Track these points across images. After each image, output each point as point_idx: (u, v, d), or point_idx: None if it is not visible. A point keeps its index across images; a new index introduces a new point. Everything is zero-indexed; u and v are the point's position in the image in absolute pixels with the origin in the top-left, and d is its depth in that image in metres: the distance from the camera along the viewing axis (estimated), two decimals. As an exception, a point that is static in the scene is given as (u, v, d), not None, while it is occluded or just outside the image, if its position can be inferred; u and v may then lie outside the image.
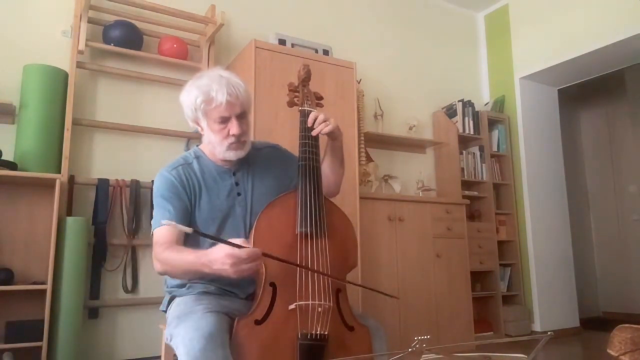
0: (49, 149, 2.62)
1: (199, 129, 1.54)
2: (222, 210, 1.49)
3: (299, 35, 3.40)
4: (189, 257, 1.29)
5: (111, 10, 2.98)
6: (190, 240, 1.47)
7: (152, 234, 1.44)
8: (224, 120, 1.46)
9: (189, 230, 1.16)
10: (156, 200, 1.48)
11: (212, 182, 1.52)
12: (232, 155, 1.50)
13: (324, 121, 1.53)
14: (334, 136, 1.59)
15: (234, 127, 1.46)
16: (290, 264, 1.32)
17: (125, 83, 3.05)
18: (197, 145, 1.64)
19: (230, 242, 1.19)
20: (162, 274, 1.43)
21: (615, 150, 5.56)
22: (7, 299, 2.45)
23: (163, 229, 1.41)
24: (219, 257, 1.19)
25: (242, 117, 1.49)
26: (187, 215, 1.46)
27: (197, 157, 1.56)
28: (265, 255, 1.23)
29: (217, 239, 1.22)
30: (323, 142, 1.61)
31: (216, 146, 1.50)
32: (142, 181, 2.86)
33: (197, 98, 1.44)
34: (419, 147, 4.25)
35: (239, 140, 1.49)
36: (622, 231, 5.40)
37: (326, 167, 1.65)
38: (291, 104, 1.67)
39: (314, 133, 1.54)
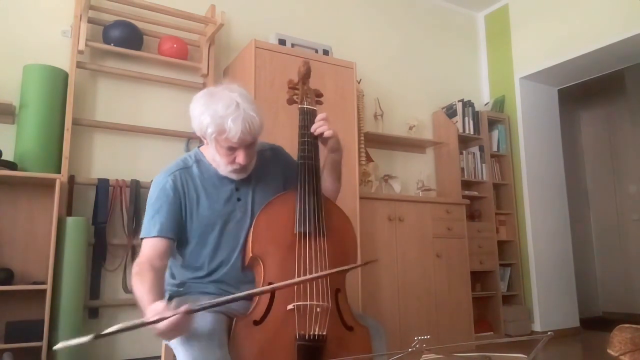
0: (49, 149, 2.62)
1: (205, 141, 1.48)
2: (221, 216, 1.47)
3: (299, 35, 3.40)
4: (142, 294, 1.27)
5: (111, 10, 2.98)
6: (205, 239, 1.45)
7: (141, 242, 1.43)
8: (232, 149, 1.41)
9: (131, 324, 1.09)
10: (147, 208, 1.46)
11: (212, 188, 1.49)
12: (235, 177, 1.48)
13: (328, 128, 1.51)
14: (334, 148, 1.56)
15: (240, 157, 1.42)
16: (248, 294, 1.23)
17: (125, 83, 3.05)
18: (199, 147, 1.60)
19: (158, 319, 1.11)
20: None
21: (615, 150, 5.55)
22: (7, 299, 2.45)
23: (149, 241, 1.40)
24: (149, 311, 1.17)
25: (250, 146, 1.44)
26: (176, 225, 1.43)
27: (198, 161, 1.52)
28: (194, 311, 1.16)
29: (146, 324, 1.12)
30: (322, 154, 1.59)
31: (220, 165, 1.46)
32: (142, 181, 2.86)
33: (208, 127, 1.37)
34: (419, 147, 4.25)
35: (244, 168, 1.46)
36: (622, 231, 5.39)
37: (325, 180, 1.60)
38: (290, 101, 1.66)
39: (312, 129, 1.53)
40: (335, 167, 1.61)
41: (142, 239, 1.43)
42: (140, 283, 1.29)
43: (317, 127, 1.52)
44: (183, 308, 1.12)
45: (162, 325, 1.10)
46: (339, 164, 1.62)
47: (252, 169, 1.50)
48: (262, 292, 1.30)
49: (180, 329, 1.14)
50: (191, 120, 1.45)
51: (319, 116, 1.54)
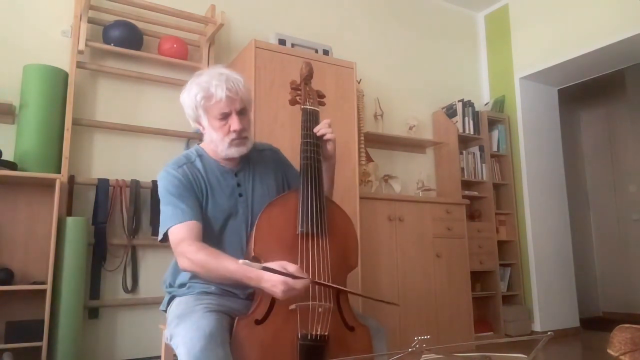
0: (49, 149, 2.62)
1: (200, 128, 1.53)
2: (224, 211, 1.49)
3: (299, 35, 3.40)
4: (231, 266, 1.28)
5: (111, 10, 2.98)
6: (208, 235, 1.45)
7: (167, 232, 1.42)
8: (225, 117, 1.46)
9: (258, 267, 1.17)
10: (166, 199, 1.45)
11: (216, 182, 1.52)
12: (235, 152, 1.50)
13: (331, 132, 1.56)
14: (330, 154, 1.59)
15: (234, 123, 1.46)
16: (339, 289, 1.35)
17: (125, 83, 3.05)
18: (198, 144, 1.63)
19: (287, 274, 1.19)
20: (188, 271, 1.42)
21: (615, 150, 5.55)
22: (7, 299, 2.45)
23: (183, 226, 1.39)
24: (272, 279, 1.21)
25: (242, 112, 1.48)
26: (200, 212, 1.44)
27: (200, 156, 1.55)
28: (315, 283, 1.27)
29: (279, 272, 1.19)
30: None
31: (218, 144, 1.49)
32: (142, 181, 2.86)
33: (197, 95, 1.45)
34: (419, 147, 4.25)
35: (240, 137, 1.48)
36: (622, 231, 5.40)
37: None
38: (293, 102, 1.66)
39: (315, 129, 1.55)
40: (329, 172, 1.63)
41: (170, 229, 1.41)
42: (215, 257, 1.32)
43: (321, 128, 1.54)
44: (309, 280, 1.24)
45: (300, 284, 1.20)
46: (333, 169, 1.64)
47: (250, 145, 1.53)
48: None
49: (296, 292, 1.22)
50: (184, 108, 1.51)
51: (325, 121, 1.57)
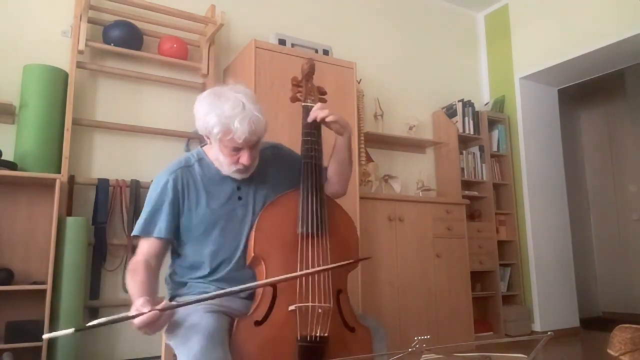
0: (49, 149, 2.62)
1: (207, 140, 1.47)
2: (222, 215, 1.46)
3: (299, 35, 3.40)
4: (132, 289, 1.32)
5: (111, 10, 2.98)
6: (206, 238, 1.45)
7: (137, 239, 1.45)
8: (237, 149, 1.41)
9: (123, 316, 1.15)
10: (147, 205, 1.46)
11: (213, 186, 1.49)
12: (237, 177, 1.47)
13: (323, 111, 1.51)
14: (338, 130, 1.55)
15: (244, 158, 1.41)
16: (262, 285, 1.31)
17: (125, 83, 3.05)
18: (201, 146, 1.60)
19: (135, 315, 1.16)
20: None
21: (615, 150, 5.55)
22: (7, 299, 2.45)
23: (147, 241, 1.43)
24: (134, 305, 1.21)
25: (254, 146, 1.44)
26: (174, 226, 1.45)
27: (200, 160, 1.52)
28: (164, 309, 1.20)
29: (131, 317, 1.17)
30: (330, 139, 1.59)
31: (223, 164, 1.46)
32: (142, 181, 2.86)
33: (214, 127, 1.37)
34: (419, 147, 4.25)
35: (246, 167, 1.45)
36: (622, 231, 5.40)
37: (332, 166, 1.61)
38: (294, 99, 1.65)
39: (309, 119, 1.52)
40: (343, 148, 1.58)
41: (138, 236, 1.44)
42: (132, 280, 1.34)
43: (315, 115, 1.51)
44: (160, 305, 1.18)
45: (136, 320, 1.15)
46: (346, 145, 1.59)
47: (254, 169, 1.49)
48: (243, 290, 1.27)
49: (155, 325, 1.18)
50: (195, 120, 1.45)
51: (316, 106, 1.54)
